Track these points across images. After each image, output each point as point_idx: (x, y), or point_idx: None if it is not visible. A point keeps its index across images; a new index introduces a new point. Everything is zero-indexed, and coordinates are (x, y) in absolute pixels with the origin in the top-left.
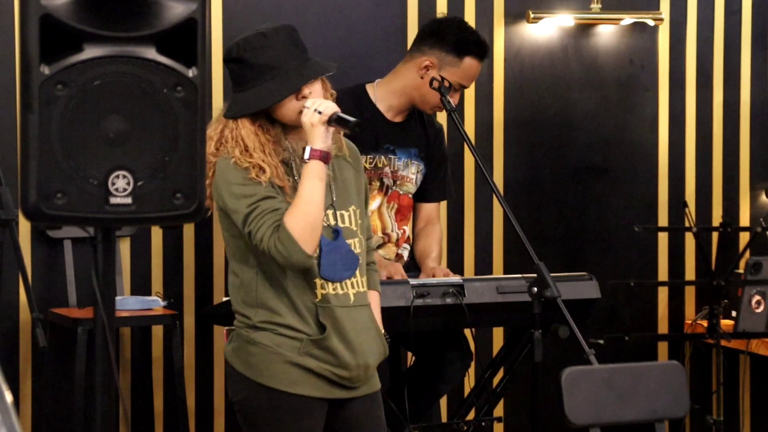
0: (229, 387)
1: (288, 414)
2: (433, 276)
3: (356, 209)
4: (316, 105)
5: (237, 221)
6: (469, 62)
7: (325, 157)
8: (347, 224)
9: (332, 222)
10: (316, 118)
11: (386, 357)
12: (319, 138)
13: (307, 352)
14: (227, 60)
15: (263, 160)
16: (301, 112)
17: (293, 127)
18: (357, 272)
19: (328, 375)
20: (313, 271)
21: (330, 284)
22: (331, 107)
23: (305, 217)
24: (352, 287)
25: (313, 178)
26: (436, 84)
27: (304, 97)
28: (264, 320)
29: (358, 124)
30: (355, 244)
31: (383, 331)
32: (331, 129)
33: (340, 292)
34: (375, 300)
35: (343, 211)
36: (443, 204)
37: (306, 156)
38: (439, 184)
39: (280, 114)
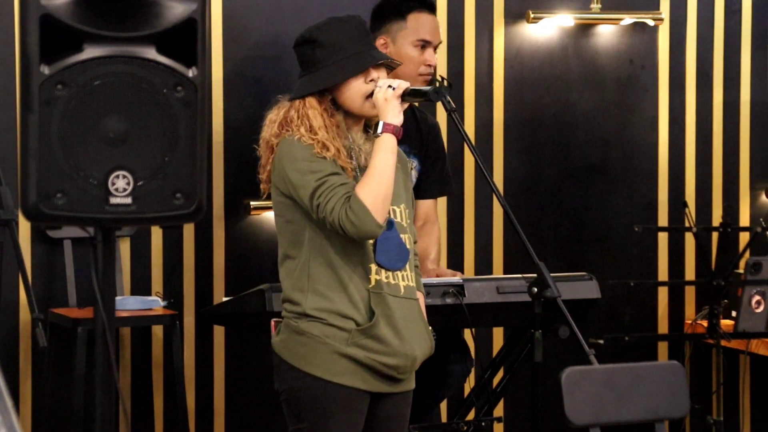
0: (276, 378)
1: (333, 404)
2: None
3: (406, 208)
4: (389, 82)
5: (303, 197)
6: (415, 16)
7: (397, 131)
8: (398, 219)
9: None
10: (390, 93)
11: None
12: (393, 112)
13: (355, 343)
14: (299, 44)
15: (327, 139)
16: (366, 96)
17: (354, 119)
18: (407, 266)
19: (375, 366)
20: (369, 255)
21: (383, 272)
22: (403, 83)
23: (378, 188)
24: (403, 280)
25: (386, 151)
26: (436, 85)
27: (372, 81)
28: (314, 307)
29: (436, 90)
30: (406, 240)
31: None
32: (404, 105)
33: (392, 282)
34: (421, 300)
35: (395, 207)
36: (443, 204)
37: (379, 130)
38: (435, 180)
39: (346, 97)
